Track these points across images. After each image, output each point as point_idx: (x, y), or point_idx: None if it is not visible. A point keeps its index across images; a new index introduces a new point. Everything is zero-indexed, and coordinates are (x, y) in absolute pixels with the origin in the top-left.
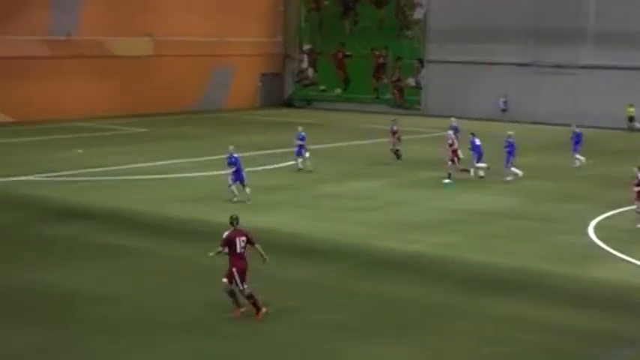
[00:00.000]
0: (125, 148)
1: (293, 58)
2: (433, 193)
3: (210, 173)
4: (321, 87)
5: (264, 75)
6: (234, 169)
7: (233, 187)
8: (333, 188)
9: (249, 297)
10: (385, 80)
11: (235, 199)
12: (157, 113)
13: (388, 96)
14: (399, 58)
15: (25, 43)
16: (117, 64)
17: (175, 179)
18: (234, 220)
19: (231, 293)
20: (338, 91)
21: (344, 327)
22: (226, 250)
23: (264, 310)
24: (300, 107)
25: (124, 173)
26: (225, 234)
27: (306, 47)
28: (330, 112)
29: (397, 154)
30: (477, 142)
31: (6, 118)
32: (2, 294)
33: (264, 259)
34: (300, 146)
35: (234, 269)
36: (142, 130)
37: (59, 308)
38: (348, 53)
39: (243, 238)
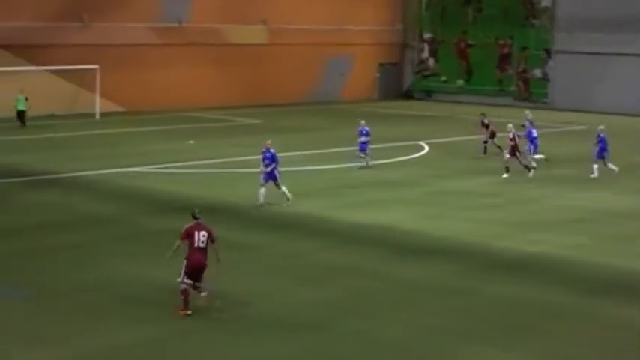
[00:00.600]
0: (237, 140)
1: (413, 47)
2: (557, 191)
3: (324, 167)
4: (442, 78)
5: (382, 65)
6: (272, 166)
7: (263, 190)
8: (453, 184)
9: (182, 292)
10: (510, 71)
11: (258, 202)
12: (270, 104)
13: (512, 88)
14: (524, 48)
15: (135, 31)
16: (230, 53)
17: (288, 173)
18: (196, 214)
19: (184, 291)
20: (460, 82)
21: (459, 330)
22: (186, 242)
23: (188, 312)
24: (419, 99)
25: (236, 166)
26: (186, 226)
27: (426, 36)
28: (451, 104)
29: (486, 148)
30: (535, 133)
31: (116, 108)
32: (110, 288)
33: (218, 259)
34: (364, 142)
35: (186, 262)
36: (255, 121)
37: (171, 303)
38: (471, 42)
39: (204, 233)
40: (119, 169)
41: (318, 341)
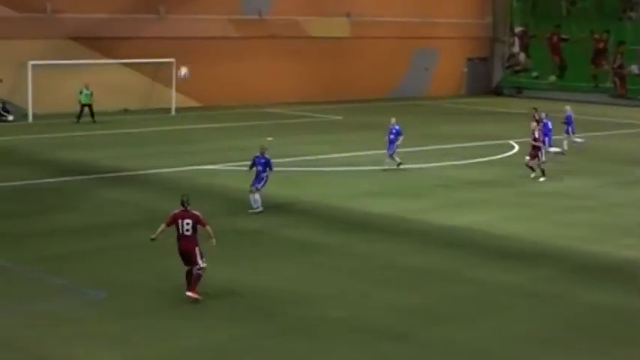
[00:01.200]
0: (317, 137)
1: (503, 41)
2: None
3: (408, 166)
4: (534, 73)
5: (470, 60)
6: (265, 173)
7: (257, 196)
8: (544, 186)
9: (188, 274)
10: (605, 67)
11: (255, 210)
12: (352, 100)
13: (608, 85)
14: (621, 43)
15: (213, 23)
16: (311, 46)
17: (370, 172)
18: (184, 201)
19: (187, 274)
20: (552, 78)
21: (546, 338)
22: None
23: (198, 296)
24: (509, 95)
25: (315, 164)
26: (172, 212)
27: (517, 29)
28: (543, 101)
29: None
30: (550, 125)
31: (192, 103)
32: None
33: (213, 243)
34: (392, 141)
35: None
36: (336, 117)
37: (250, 306)
38: (564, 37)
39: (188, 221)
40: (195, 167)
41: (400, 349)
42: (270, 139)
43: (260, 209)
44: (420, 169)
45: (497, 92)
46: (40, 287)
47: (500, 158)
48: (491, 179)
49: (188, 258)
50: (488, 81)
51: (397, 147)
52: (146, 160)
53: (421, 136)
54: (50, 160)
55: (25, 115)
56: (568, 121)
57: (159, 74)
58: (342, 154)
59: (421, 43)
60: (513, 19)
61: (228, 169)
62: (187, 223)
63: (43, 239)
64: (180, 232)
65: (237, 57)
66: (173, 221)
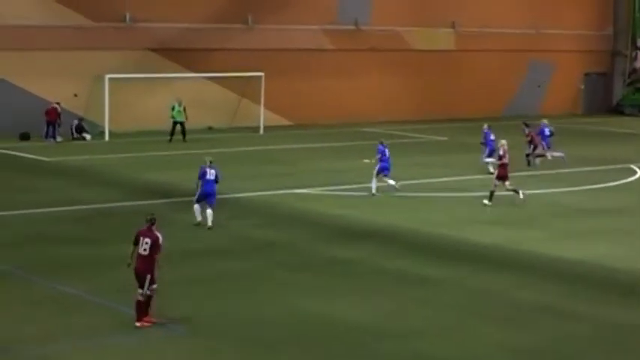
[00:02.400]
0: (419, 159)
1: (624, 55)
2: None
3: (525, 192)
4: None
5: (587, 75)
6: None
7: (198, 207)
8: None
9: (140, 302)
10: None
11: (197, 221)
12: (458, 118)
13: None
14: None
15: (306, 34)
16: (413, 60)
17: (476, 198)
18: (149, 219)
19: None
20: None
21: None
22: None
23: (151, 320)
24: (631, 115)
25: (416, 189)
26: (138, 230)
27: None
28: None
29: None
30: (547, 131)
31: (282, 121)
32: (272, 321)
33: (157, 268)
34: (384, 164)
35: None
36: (440, 138)
37: (340, 342)
38: None
39: (147, 240)
40: (286, 190)
41: None
42: (367, 161)
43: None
44: (535, 194)
45: (618, 111)
46: (118, 319)
47: (620, 184)
48: (609, 207)
49: (141, 279)
50: (607, 98)
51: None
52: (233, 183)
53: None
54: (130, 181)
55: (102, 133)
56: (542, 136)
57: (246, 89)
58: (447, 178)
59: (534, 57)
60: (636, 31)
61: (321, 193)
62: (146, 243)
63: (121, 267)
64: (139, 250)
65: (332, 71)
66: (136, 240)
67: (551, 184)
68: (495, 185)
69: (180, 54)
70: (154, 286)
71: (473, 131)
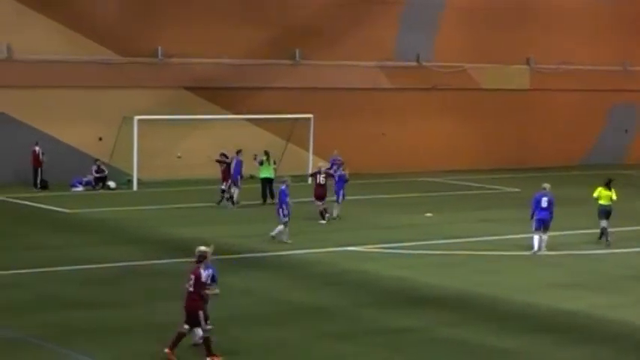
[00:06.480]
0: (487, 214)
1: None
2: None
3: (599, 251)
4: None
5: None
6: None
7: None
8: None
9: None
10: None
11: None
12: (532, 168)
13: None
14: None
15: (359, 71)
16: (481, 101)
17: (554, 258)
18: (198, 255)
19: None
20: None
21: None
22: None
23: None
24: None
25: (483, 247)
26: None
27: None
28: None
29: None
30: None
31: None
32: None
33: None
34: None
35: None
36: (511, 189)
37: None
38: None
39: (192, 276)
40: (335, 248)
41: None
42: (429, 215)
43: None
44: (614, 254)
45: None
46: None
47: None
48: None
49: (189, 319)
50: None
51: None
52: (269, 240)
53: (620, 213)
54: (160, 237)
55: (129, 182)
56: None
57: (293, 133)
58: (519, 235)
59: (619, 97)
60: None
61: (375, 251)
62: (191, 278)
63: (148, 334)
64: (186, 285)
65: (389, 113)
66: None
67: (638, 242)
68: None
69: (218, 93)
70: (208, 326)
71: (549, 181)
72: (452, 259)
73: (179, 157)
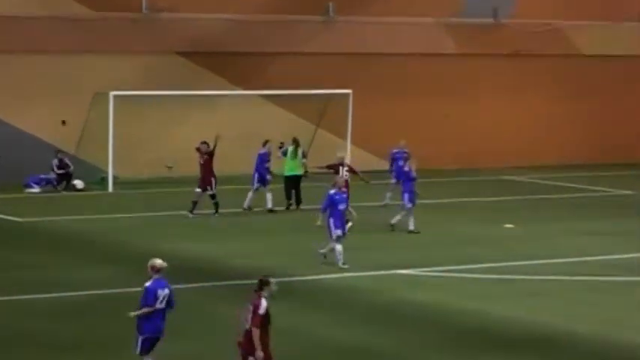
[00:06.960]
0: (591, 225)
1: None
2: None
3: None
4: None
5: None
6: None
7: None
8: None
9: None
10: None
11: None
12: None
13: None
14: None
15: (414, 30)
16: (581, 71)
17: None
18: (259, 284)
19: None
20: None
21: None
22: None
23: None
24: None
25: (586, 270)
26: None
27: None
28: None
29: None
30: None
31: (377, 164)
32: None
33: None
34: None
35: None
36: (624, 192)
37: None
38: None
39: (250, 307)
40: (388, 271)
41: None
42: (509, 226)
43: None
44: None
45: None
46: None
47: None
48: None
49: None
50: None
51: None
52: (299, 259)
53: None
54: (146, 255)
55: (103, 180)
56: None
57: (324, 115)
58: (632, 255)
59: None
60: None
61: (442, 276)
62: (247, 311)
63: None
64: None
65: (456, 88)
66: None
67: None
68: None
69: (222, 60)
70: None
71: None
72: (543, 287)
73: (170, 168)
